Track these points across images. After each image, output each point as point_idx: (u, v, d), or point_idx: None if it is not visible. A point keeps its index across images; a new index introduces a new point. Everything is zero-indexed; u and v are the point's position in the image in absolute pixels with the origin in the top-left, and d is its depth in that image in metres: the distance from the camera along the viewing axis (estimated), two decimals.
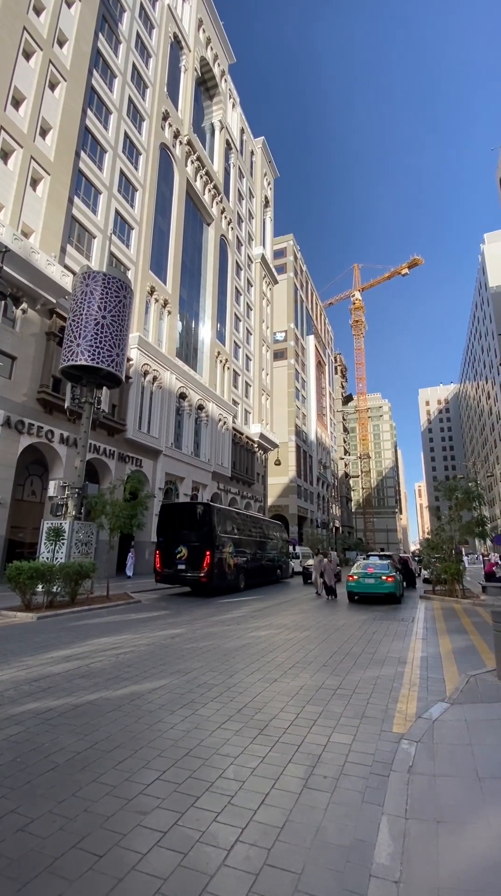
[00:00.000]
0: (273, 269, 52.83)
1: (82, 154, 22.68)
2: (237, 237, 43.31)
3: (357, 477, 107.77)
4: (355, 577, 14.68)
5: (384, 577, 14.27)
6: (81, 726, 4.17)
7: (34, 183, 19.39)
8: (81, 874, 2.29)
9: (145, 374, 25.61)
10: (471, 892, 2.15)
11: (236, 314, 41.67)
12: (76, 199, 22.08)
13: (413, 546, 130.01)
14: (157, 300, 27.98)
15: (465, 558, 25.39)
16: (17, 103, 18.91)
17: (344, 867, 2.37)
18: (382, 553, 23.87)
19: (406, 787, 3.17)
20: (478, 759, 3.51)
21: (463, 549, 31.54)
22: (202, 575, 15.66)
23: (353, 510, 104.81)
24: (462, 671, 6.30)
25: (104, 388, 18.61)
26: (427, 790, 3.12)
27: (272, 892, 2.19)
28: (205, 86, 39.28)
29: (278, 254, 62.05)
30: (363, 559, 19.90)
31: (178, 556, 16.21)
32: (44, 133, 20.05)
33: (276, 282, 54.21)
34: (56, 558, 13.36)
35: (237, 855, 2.46)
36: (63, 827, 2.68)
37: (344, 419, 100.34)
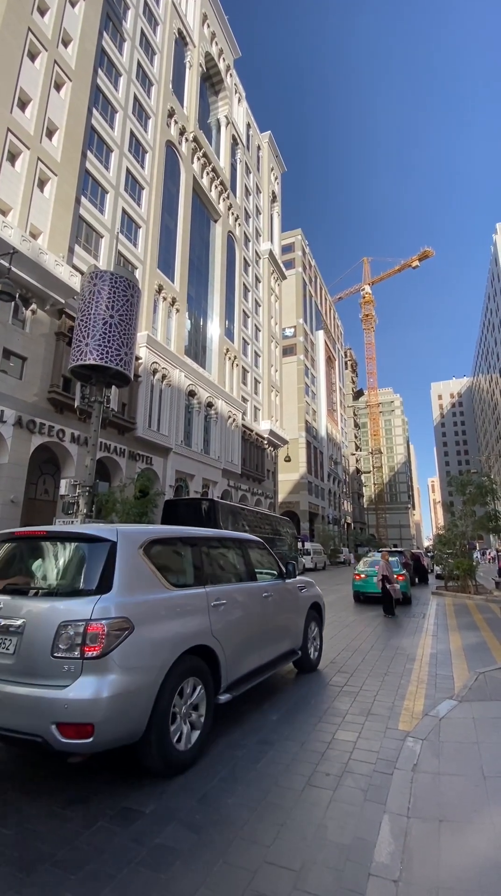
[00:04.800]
0: (281, 265, 52.57)
1: (89, 154, 22.78)
2: (245, 233, 43.16)
3: (369, 473, 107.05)
4: (361, 576, 14.46)
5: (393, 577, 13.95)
6: None
7: (41, 184, 19.53)
8: (78, 869, 2.31)
9: (154, 372, 25.72)
10: (471, 892, 2.12)
11: (244, 311, 41.60)
12: (83, 199, 22.20)
13: (427, 542, 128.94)
14: (165, 298, 28.05)
15: (476, 554, 25.11)
16: (23, 105, 19.04)
17: (344, 865, 2.36)
18: (392, 549, 23.67)
19: (410, 785, 3.14)
20: (484, 758, 3.47)
21: (477, 545, 31.19)
22: None
23: (365, 506, 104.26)
24: (471, 668, 6.22)
25: (114, 386, 18.71)
26: (431, 789, 3.09)
27: (270, 890, 2.19)
28: (210, 81, 39.14)
29: (287, 249, 61.68)
30: (365, 556, 19.49)
31: None
32: (50, 134, 20.17)
33: (284, 277, 53.95)
34: None
35: (236, 851, 2.46)
36: (64, 823, 2.71)
37: (355, 414, 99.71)
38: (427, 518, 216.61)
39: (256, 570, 5.13)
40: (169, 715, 3.22)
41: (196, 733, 3.51)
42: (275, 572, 5.55)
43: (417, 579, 20.65)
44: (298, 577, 5.97)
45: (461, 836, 2.56)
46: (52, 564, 3.50)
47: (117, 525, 3.72)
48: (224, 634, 3.91)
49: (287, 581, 5.59)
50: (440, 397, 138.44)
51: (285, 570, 5.64)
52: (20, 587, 3.37)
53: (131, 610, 3.12)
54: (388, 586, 11.21)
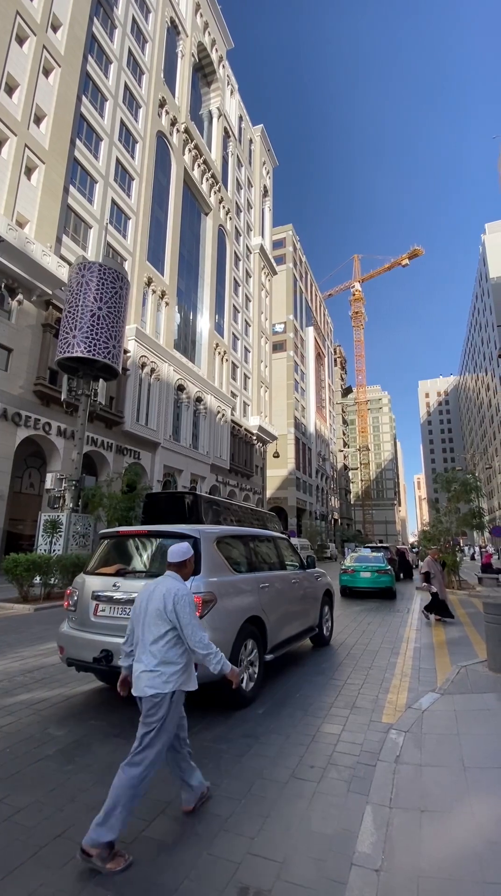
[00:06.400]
0: (272, 260, 52.38)
1: (78, 142, 22.38)
2: (236, 227, 42.88)
3: (356, 469, 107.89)
4: (349, 570, 14.67)
5: (380, 572, 14.24)
6: (72, 717, 4.20)
7: (29, 172, 19.16)
8: (63, 863, 2.31)
9: (143, 366, 25.51)
10: (450, 881, 2.17)
11: (234, 305, 41.41)
12: (72, 189, 21.82)
13: (412, 538, 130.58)
14: (154, 291, 27.78)
15: (467, 549, 25.51)
16: (10, 90, 18.62)
17: (327, 856, 2.39)
18: (378, 545, 23.96)
19: (393, 776, 3.19)
20: (465, 749, 3.54)
21: (461, 541, 31.69)
22: None
23: (352, 502, 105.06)
24: (453, 662, 6.33)
25: (101, 380, 18.55)
26: (413, 780, 3.14)
27: (254, 881, 2.21)
28: (202, 72, 38.66)
29: (277, 244, 61.46)
30: (352, 552, 19.73)
31: None
32: (38, 121, 19.76)
33: (275, 273, 53.78)
34: (53, 550, 13.39)
35: (221, 843, 2.48)
36: (49, 816, 2.70)
37: (343, 411, 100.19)
38: (413, 514, 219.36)
39: (284, 562, 6.34)
40: (238, 663, 4.33)
41: (253, 682, 4.67)
42: (297, 563, 6.67)
43: (402, 574, 20.95)
44: (314, 568, 7.18)
45: (442, 825, 2.61)
46: (153, 554, 4.60)
47: (196, 526, 4.73)
48: (268, 609, 5.10)
49: (307, 570, 6.80)
50: (427, 395, 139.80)
51: (304, 562, 6.85)
52: (129, 571, 4.48)
53: (215, 587, 4.26)
54: (423, 585, 10.00)
